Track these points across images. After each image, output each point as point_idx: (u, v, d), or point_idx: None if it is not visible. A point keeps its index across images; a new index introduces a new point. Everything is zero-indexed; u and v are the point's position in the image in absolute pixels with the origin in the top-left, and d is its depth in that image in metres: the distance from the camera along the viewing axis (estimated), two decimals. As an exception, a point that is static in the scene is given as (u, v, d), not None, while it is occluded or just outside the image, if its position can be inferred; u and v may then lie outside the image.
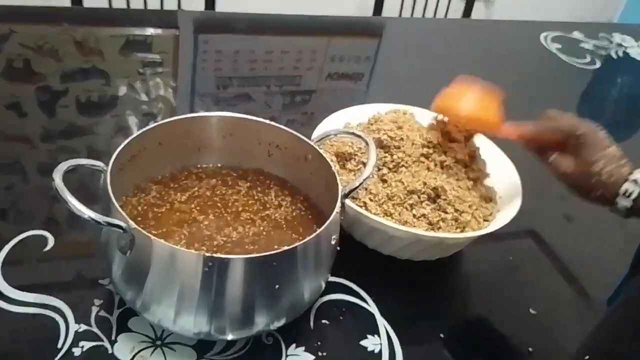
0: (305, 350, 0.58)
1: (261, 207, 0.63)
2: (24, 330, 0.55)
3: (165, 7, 1.45)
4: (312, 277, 0.55)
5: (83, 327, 0.56)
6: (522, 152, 0.65)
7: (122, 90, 0.89)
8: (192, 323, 0.52)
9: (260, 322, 0.53)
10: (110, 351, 0.54)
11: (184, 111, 0.88)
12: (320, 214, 0.62)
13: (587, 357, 0.47)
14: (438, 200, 0.65)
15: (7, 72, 0.88)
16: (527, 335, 0.65)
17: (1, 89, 0.84)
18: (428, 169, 0.68)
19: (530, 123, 0.63)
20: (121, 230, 0.49)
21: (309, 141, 0.63)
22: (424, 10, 1.83)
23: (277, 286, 0.51)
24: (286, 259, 0.51)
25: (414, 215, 0.65)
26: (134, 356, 0.55)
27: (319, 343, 0.59)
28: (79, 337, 0.55)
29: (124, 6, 1.42)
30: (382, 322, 0.62)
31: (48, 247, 0.63)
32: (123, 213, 0.49)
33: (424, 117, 0.75)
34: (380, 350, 0.60)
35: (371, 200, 0.66)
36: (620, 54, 1.34)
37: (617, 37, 1.40)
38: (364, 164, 0.65)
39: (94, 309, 0.58)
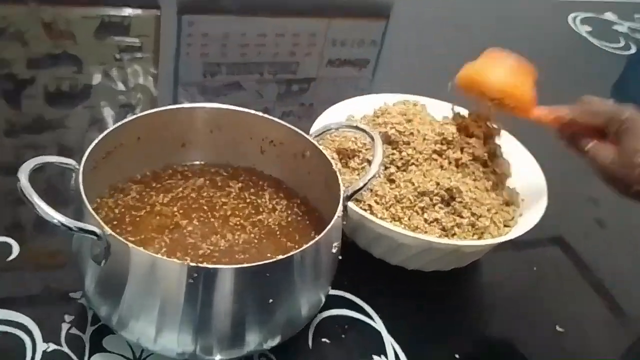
0: (303, 373, 0.58)
1: (253, 211, 0.63)
2: (-15, 350, 0.55)
3: (145, -16, 1.46)
4: (310, 289, 0.55)
5: (52, 346, 0.56)
6: (547, 148, 0.65)
7: (97, 79, 0.89)
8: (176, 342, 0.52)
9: (252, 341, 0.53)
10: (82, 373, 0.55)
11: (166, 102, 0.88)
12: (319, 219, 0.62)
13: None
14: (453, 203, 0.65)
15: (-35, 57, 0.88)
16: (552, 356, 0.65)
17: (-41, 76, 0.85)
18: (441, 167, 0.68)
19: (566, 107, 0.63)
20: (95, 237, 0.49)
21: (306, 136, 0.63)
22: (437, -12, 1.83)
23: (270, 300, 0.51)
24: (281, 270, 0.51)
25: (426, 220, 0.65)
26: (109, 379, 0.55)
27: (318, 364, 0.59)
28: (47, 357, 0.55)
29: (99, -17, 1.42)
30: (389, 341, 0.62)
31: (12, 256, 0.63)
32: (97, 217, 0.49)
33: (437, 109, 0.75)
34: (388, 373, 0.60)
35: (377, 203, 0.66)
36: (659, 37, 1.35)
37: (656, 19, 1.41)
38: (369, 162, 0.65)
39: (65, 326, 0.57)
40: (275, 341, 0.55)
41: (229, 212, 0.62)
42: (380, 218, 0.64)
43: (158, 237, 0.58)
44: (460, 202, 0.65)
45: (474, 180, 0.68)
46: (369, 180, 0.58)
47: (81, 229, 0.48)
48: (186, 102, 0.77)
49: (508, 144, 0.74)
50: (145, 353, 0.57)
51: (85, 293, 0.55)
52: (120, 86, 0.88)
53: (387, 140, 0.69)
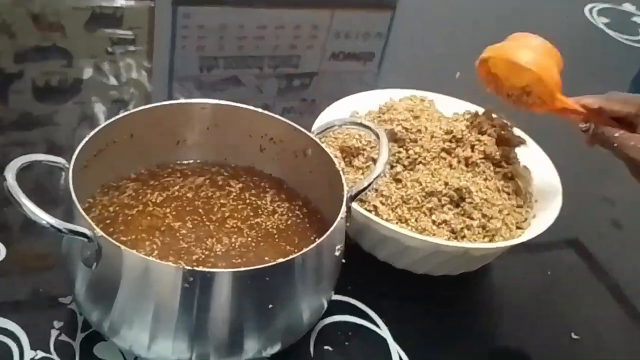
0: (304, 382, 0.58)
1: (252, 214, 0.63)
2: (-30, 358, 0.55)
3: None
4: (312, 294, 0.55)
5: (40, 354, 0.56)
6: (561, 147, 0.65)
7: (87, 73, 0.89)
8: (170, 349, 0.52)
9: (251, 349, 0.53)
10: (72, 382, 0.55)
11: (160, 98, 0.88)
12: (321, 220, 0.62)
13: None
14: (462, 203, 0.65)
15: (-50, 51, 0.88)
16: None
17: (-57, 71, 0.85)
18: (450, 166, 0.68)
19: (592, 95, 0.64)
20: (85, 239, 0.49)
21: (308, 133, 0.63)
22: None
23: (270, 305, 0.51)
24: (281, 274, 0.51)
25: (434, 222, 0.65)
26: (100, 388, 0.55)
27: (320, 373, 0.59)
28: (35, 365, 0.55)
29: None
30: (395, 349, 0.62)
31: (-1, 259, 0.63)
32: (88, 218, 0.49)
33: (446, 104, 0.75)
34: (393, 382, 0.60)
35: (382, 203, 0.66)
36: (681, 30, 1.34)
37: (677, 10, 1.40)
38: (374, 161, 0.65)
39: (54, 333, 0.58)
40: (275, 348, 0.55)
41: (227, 214, 0.62)
42: (386, 219, 0.64)
43: (149, 239, 0.58)
44: (470, 202, 0.65)
45: (485, 180, 0.68)
46: (374, 179, 0.58)
47: (71, 231, 0.48)
48: (182, 97, 0.78)
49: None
50: (138, 361, 0.57)
51: (76, 298, 0.55)
52: (113, 81, 0.89)
53: (393, 138, 0.69)
